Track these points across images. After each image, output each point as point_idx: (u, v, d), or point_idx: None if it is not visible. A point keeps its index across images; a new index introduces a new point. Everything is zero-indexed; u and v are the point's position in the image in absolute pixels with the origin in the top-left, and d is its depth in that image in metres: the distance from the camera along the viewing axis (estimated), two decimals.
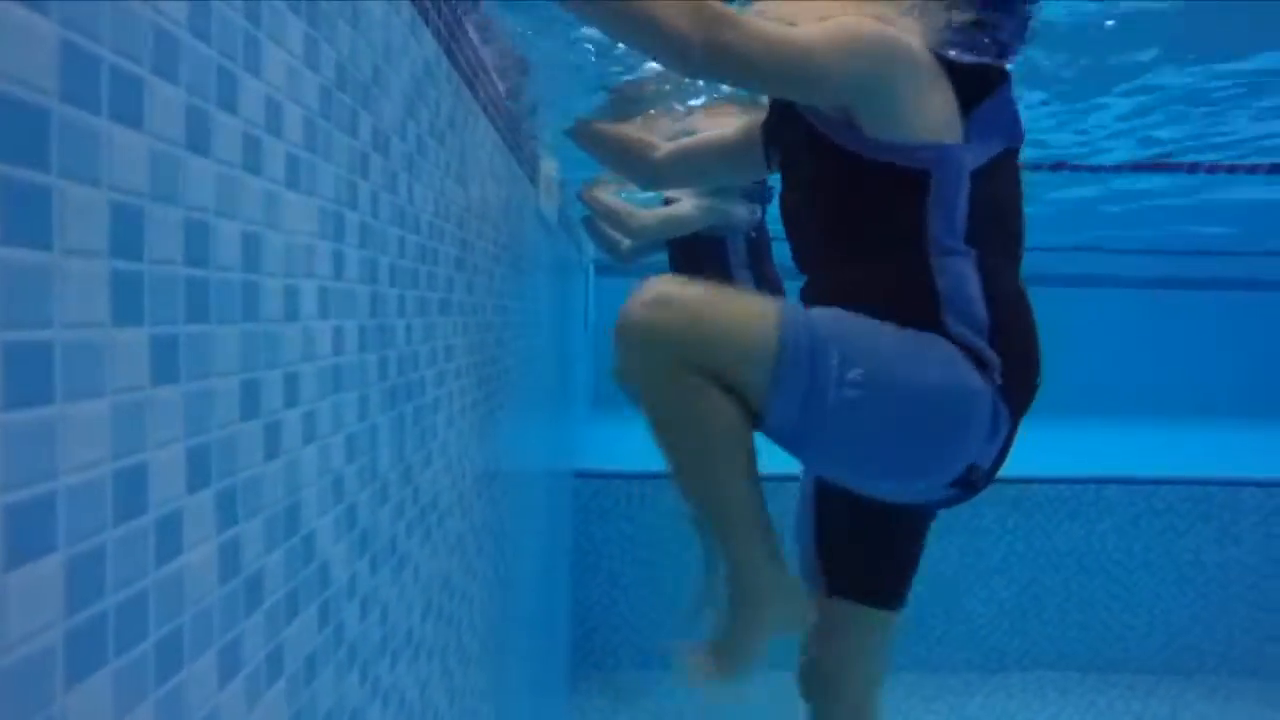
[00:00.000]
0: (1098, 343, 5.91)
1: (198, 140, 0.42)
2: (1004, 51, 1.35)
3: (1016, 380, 1.16)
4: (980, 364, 1.13)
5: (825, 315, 1.15)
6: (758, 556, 1.18)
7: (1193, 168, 2.75)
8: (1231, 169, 2.81)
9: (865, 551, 1.39)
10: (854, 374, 1.08)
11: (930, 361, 1.11)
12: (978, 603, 3.73)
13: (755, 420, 1.13)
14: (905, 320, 1.13)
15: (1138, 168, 2.79)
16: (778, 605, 1.21)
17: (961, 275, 1.13)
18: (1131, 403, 5.80)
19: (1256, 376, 6.21)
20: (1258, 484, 3.74)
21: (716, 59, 1.04)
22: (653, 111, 1.80)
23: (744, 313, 1.12)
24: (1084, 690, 3.61)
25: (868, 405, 1.08)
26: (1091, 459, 3.93)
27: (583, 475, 3.60)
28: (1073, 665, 3.73)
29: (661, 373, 1.08)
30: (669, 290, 1.09)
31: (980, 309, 1.13)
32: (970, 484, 1.18)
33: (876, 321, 1.13)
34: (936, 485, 1.19)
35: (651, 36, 1.03)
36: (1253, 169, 2.80)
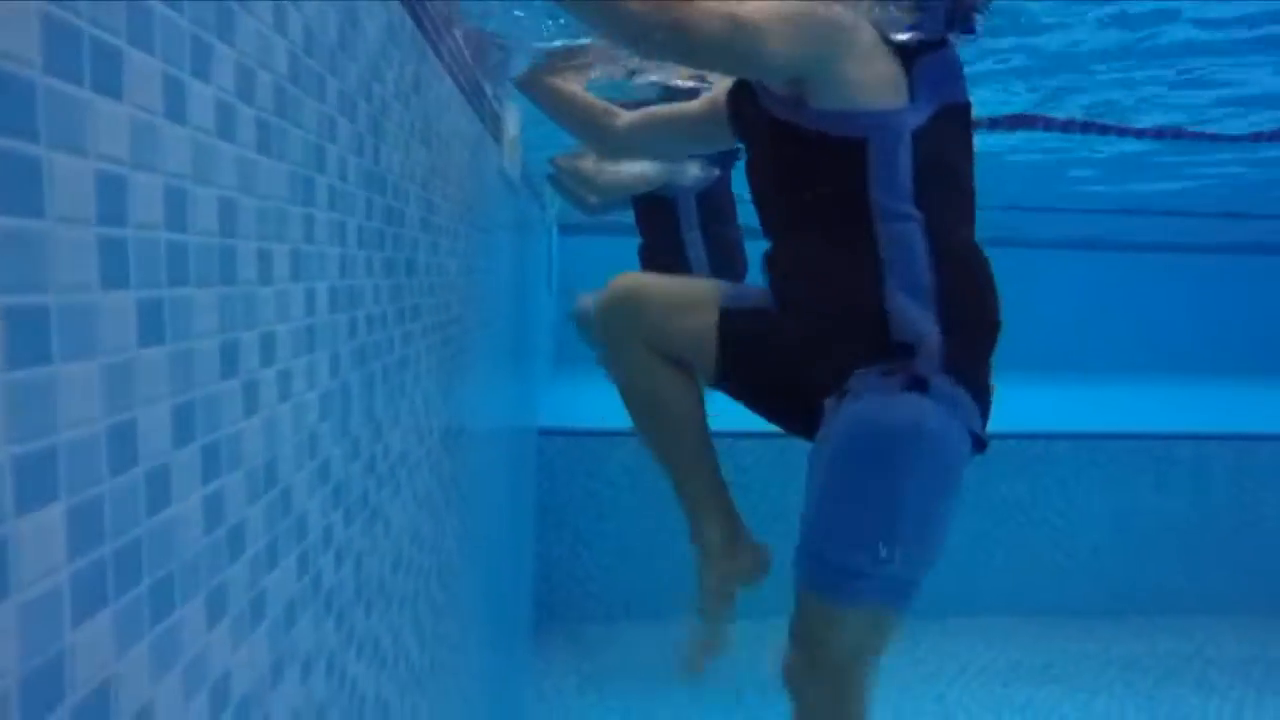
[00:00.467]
0: (1050, 302, 6.08)
1: (174, 109, 0.43)
2: (951, 26, 1.38)
3: (967, 342, 1.21)
4: (917, 381, 1.17)
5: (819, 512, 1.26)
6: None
7: (1141, 133, 2.82)
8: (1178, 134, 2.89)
9: None
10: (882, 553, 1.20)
11: (910, 476, 1.19)
12: (951, 537, 3.88)
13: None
14: (848, 290, 1.18)
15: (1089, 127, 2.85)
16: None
17: (908, 240, 1.17)
18: (1085, 360, 6.01)
19: (1202, 334, 6.47)
20: (1189, 437, 3.93)
21: (676, 40, 1.06)
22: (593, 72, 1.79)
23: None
24: (1026, 634, 3.80)
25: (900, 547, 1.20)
26: (1040, 416, 4.08)
27: (546, 433, 3.64)
28: (1017, 610, 3.92)
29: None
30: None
31: (925, 273, 1.17)
32: (982, 444, 1.26)
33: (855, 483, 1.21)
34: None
35: (611, 17, 1.04)
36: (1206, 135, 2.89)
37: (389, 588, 0.89)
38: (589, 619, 3.73)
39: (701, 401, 1.39)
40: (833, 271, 1.19)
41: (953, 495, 1.23)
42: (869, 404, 1.16)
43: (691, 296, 1.36)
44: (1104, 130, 2.90)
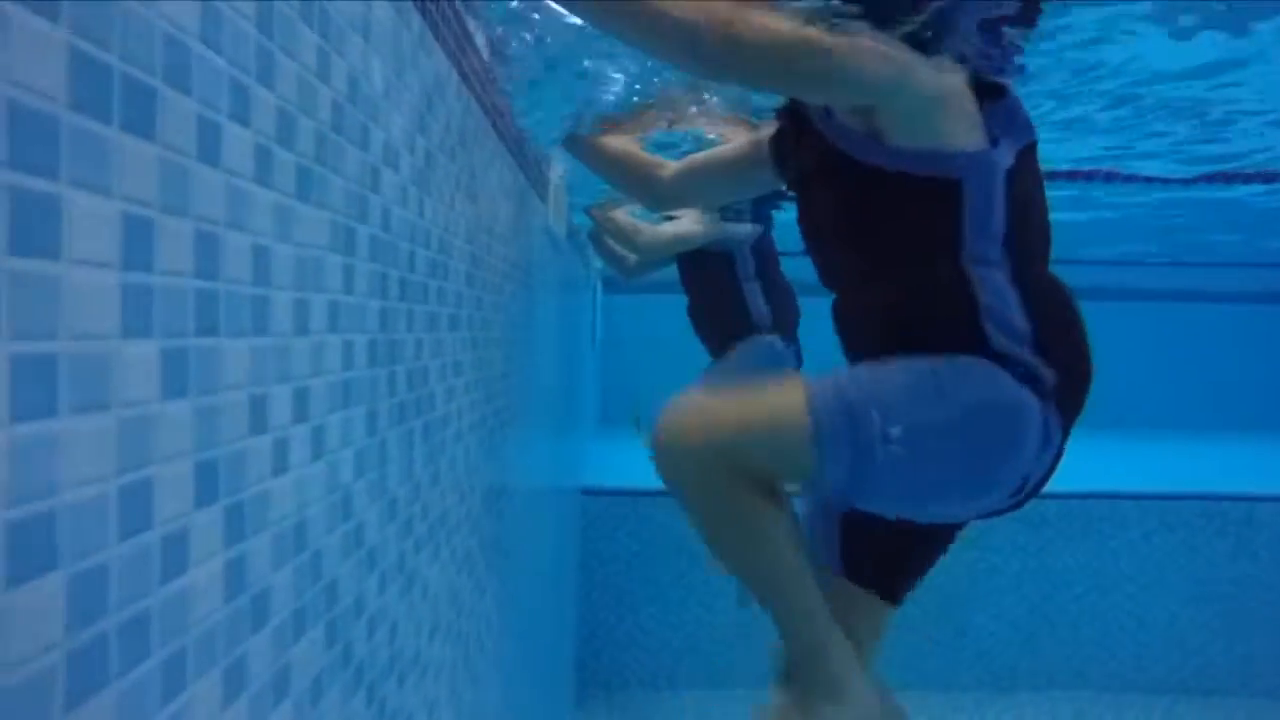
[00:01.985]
0: (1112, 356, 5.88)
1: (209, 151, 0.41)
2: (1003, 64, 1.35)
3: (1066, 386, 1.14)
4: (1029, 377, 1.10)
5: (855, 376, 1.12)
6: (838, 654, 1.17)
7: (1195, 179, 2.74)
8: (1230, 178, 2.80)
9: (890, 549, 1.36)
10: (895, 430, 1.07)
11: (969, 388, 1.09)
12: (989, 620, 3.68)
13: (807, 488, 1.15)
14: (948, 336, 1.11)
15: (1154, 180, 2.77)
16: (859, 710, 1.19)
17: (999, 285, 1.11)
18: (1144, 416, 5.76)
19: (1271, 391, 6.17)
20: (1274, 499, 3.70)
21: (731, 55, 1.01)
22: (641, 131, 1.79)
23: (773, 405, 1.12)
24: (1099, 710, 3.55)
25: (916, 453, 1.07)
26: (1104, 474, 3.89)
27: (590, 492, 3.58)
28: (1087, 685, 3.67)
29: (706, 486, 1.10)
30: (696, 406, 1.11)
31: (1020, 319, 1.10)
32: (1025, 494, 1.16)
33: (906, 364, 1.10)
34: (991, 504, 1.17)
35: (663, 36, 1.01)
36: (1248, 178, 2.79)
37: (425, 657, 0.85)
38: (632, 685, 3.60)
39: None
40: (925, 320, 1.12)
41: (980, 478, 1.12)
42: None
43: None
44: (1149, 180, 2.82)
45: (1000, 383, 1.09)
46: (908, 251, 1.13)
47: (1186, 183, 2.83)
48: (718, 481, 1.09)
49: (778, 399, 1.12)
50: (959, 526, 1.36)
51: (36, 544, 0.29)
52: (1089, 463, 3.92)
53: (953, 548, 1.42)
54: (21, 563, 0.28)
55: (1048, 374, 1.10)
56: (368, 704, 0.67)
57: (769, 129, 1.38)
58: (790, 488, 1.17)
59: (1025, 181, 1.13)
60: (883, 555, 1.35)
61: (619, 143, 1.67)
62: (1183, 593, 3.68)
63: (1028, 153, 1.15)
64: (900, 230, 1.14)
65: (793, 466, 1.10)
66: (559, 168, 1.98)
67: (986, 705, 3.57)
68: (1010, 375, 1.09)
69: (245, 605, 0.46)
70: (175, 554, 0.39)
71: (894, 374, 1.11)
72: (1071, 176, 2.71)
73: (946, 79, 1.11)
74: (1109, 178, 2.70)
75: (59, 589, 0.30)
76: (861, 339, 1.22)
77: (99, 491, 0.33)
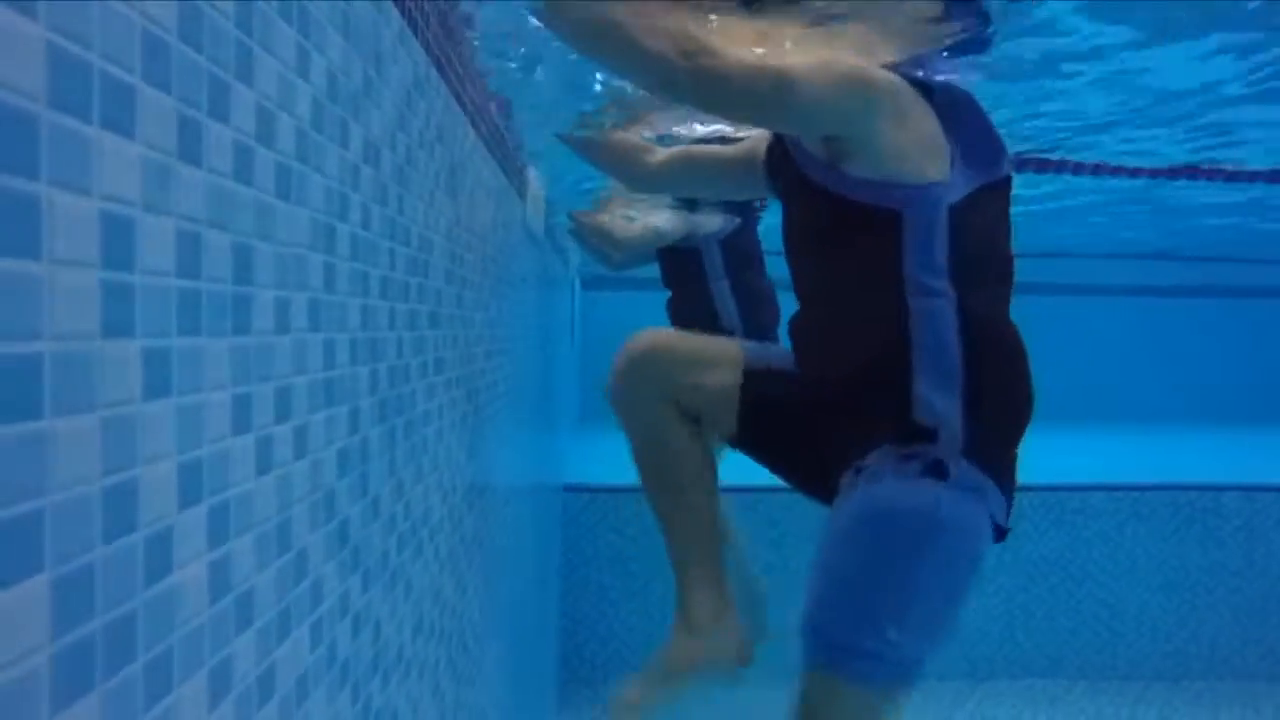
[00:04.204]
0: (1079, 351, 5.97)
1: (189, 149, 0.41)
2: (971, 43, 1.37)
3: (994, 432, 1.16)
4: (940, 470, 1.12)
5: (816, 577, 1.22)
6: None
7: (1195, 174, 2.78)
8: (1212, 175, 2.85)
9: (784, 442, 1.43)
10: (892, 634, 1.14)
11: (920, 562, 1.14)
12: (966, 612, 3.72)
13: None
14: (873, 366, 1.14)
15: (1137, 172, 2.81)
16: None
17: (937, 318, 1.12)
18: (1113, 410, 5.87)
19: (1238, 382, 6.30)
20: (1240, 488, 3.78)
21: (700, 83, 1.05)
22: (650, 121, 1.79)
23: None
24: (1073, 697, 3.62)
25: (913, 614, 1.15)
26: (1076, 467, 3.96)
27: (571, 489, 3.58)
28: (1062, 673, 3.74)
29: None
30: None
31: (953, 355, 1.12)
32: (1003, 532, 1.20)
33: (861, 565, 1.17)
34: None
35: (636, 62, 1.04)
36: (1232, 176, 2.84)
37: (409, 655, 0.84)
38: (614, 680, 3.61)
39: (712, 466, 1.34)
40: (858, 345, 1.16)
41: (967, 582, 1.18)
42: (885, 488, 1.12)
43: (714, 353, 1.32)
44: (1115, 171, 2.86)
45: (941, 526, 1.13)
46: (852, 275, 1.17)
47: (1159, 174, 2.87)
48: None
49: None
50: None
51: (23, 546, 0.29)
52: (1061, 457, 3.99)
53: None
54: (8, 565, 0.28)
55: (958, 439, 1.13)
56: (353, 703, 0.67)
57: (766, 138, 1.39)
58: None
59: (980, 217, 1.16)
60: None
61: (607, 131, 1.69)
62: (1153, 581, 3.76)
63: (993, 189, 1.18)
64: (847, 254, 1.17)
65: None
66: (536, 168, 1.97)
67: (965, 694, 3.62)
68: (932, 497, 1.12)
69: (230, 606, 0.46)
70: (159, 555, 0.39)
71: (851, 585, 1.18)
72: (1042, 167, 2.74)
73: (910, 108, 1.13)
74: (1096, 170, 2.73)
75: (44, 591, 0.30)
76: (806, 353, 1.27)
77: (84, 493, 0.33)
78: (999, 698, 3.60)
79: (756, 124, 1.34)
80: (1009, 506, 1.19)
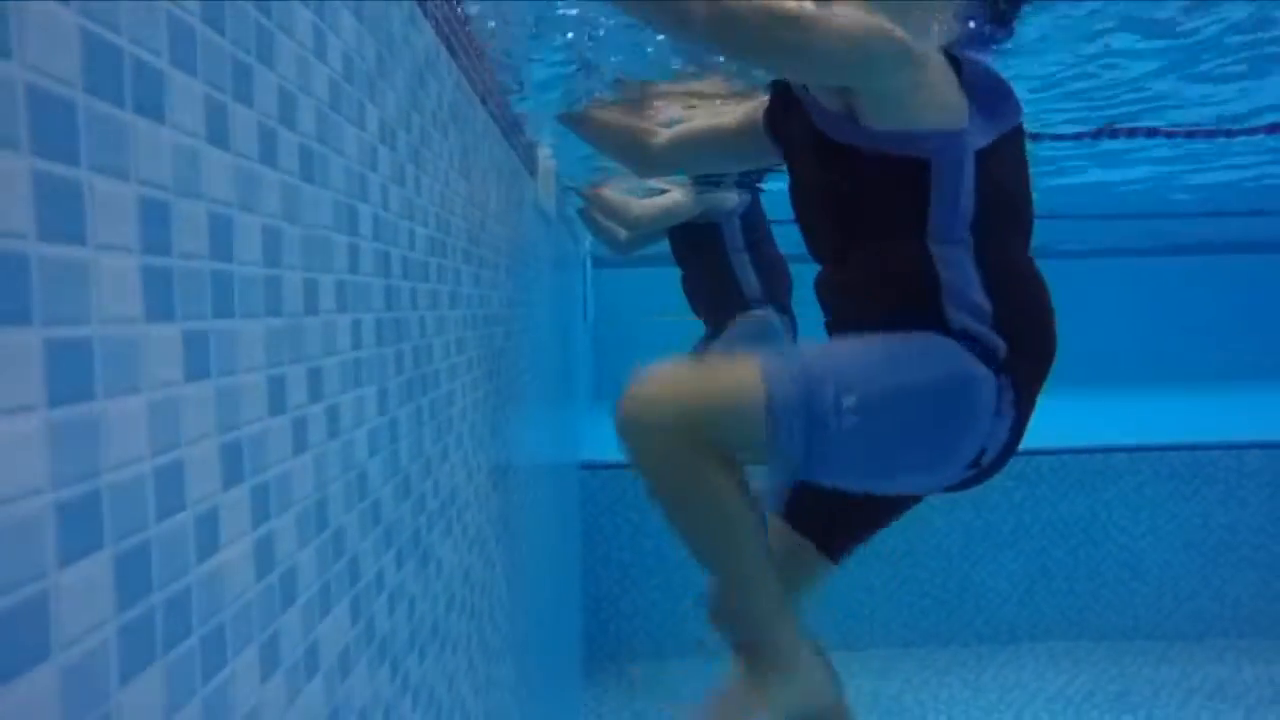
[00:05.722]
0: (1099, 312, 5.92)
1: (217, 132, 0.41)
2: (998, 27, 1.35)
3: (1025, 361, 1.15)
4: (984, 352, 1.12)
5: (812, 350, 1.16)
6: (785, 628, 1.18)
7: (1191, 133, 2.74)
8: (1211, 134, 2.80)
9: (835, 505, 1.36)
10: (849, 401, 1.07)
11: (922, 361, 1.11)
12: (988, 575, 3.74)
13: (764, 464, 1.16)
14: (909, 311, 1.13)
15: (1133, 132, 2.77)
16: (806, 678, 1.20)
17: (960, 263, 1.12)
18: (1133, 371, 5.82)
19: (1257, 340, 6.23)
20: (1262, 445, 3.76)
21: (718, 27, 1.02)
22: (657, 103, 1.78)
23: (731, 377, 1.12)
24: (1096, 658, 3.63)
25: (870, 423, 1.08)
26: (1096, 428, 3.94)
27: (589, 466, 3.60)
28: (1084, 634, 3.75)
29: (666, 456, 1.10)
30: (659, 376, 1.12)
31: (981, 296, 1.12)
32: (981, 467, 1.17)
33: (862, 338, 1.12)
34: (948, 476, 1.18)
35: (654, 5, 1.02)
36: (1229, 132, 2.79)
37: (442, 631, 0.86)
38: (639, 656, 3.65)
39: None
40: (889, 295, 1.15)
41: (928, 444, 1.12)
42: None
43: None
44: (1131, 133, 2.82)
45: (953, 356, 1.11)
46: (877, 227, 1.16)
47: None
48: (678, 452, 1.09)
49: (735, 371, 1.12)
50: (911, 499, 1.37)
51: (86, 524, 0.30)
52: (1081, 418, 3.97)
53: (950, 509, 1.44)
54: (71, 542, 0.29)
55: (1002, 348, 1.12)
56: (392, 678, 0.68)
57: (763, 103, 1.38)
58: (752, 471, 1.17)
59: (1001, 163, 1.15)
60: (828, 509, 1.36)
61: (612, 112, 1.67)
62: (1174, 541, 3.75)
63: (1011, 136, 1.17)
64: (870, 208, 1.16)
65: (749, 438, 1.10)
66: (547, 146, 1.96)
67: (988, 659, 3.64)
68: (964, 349, 1.11)
69: (275, 583, 0.47)
70: (208, 533, 0.39)
71: (849, 347, 1.13)
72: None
73: (929, 59, 1.12)
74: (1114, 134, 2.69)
75: (109, 566, 0.31)
76: (836, 313, 1.25)
77: (137, 473, 0.33)
78: (1021, 661, 3.62)
79: (774, 70, 1.30)
80: (1013, 445, 1.18)
